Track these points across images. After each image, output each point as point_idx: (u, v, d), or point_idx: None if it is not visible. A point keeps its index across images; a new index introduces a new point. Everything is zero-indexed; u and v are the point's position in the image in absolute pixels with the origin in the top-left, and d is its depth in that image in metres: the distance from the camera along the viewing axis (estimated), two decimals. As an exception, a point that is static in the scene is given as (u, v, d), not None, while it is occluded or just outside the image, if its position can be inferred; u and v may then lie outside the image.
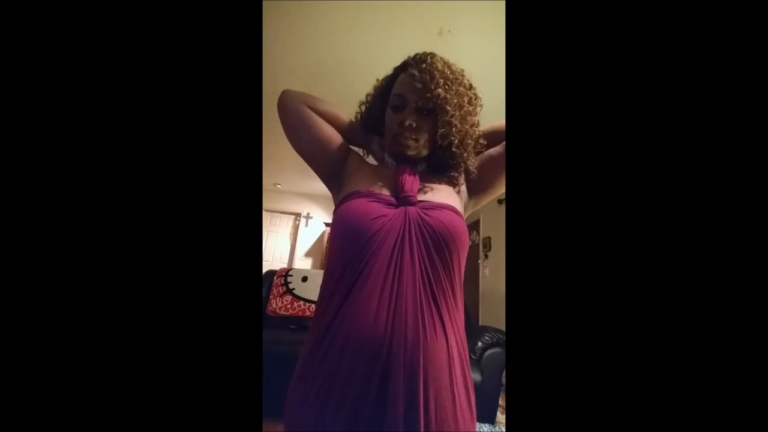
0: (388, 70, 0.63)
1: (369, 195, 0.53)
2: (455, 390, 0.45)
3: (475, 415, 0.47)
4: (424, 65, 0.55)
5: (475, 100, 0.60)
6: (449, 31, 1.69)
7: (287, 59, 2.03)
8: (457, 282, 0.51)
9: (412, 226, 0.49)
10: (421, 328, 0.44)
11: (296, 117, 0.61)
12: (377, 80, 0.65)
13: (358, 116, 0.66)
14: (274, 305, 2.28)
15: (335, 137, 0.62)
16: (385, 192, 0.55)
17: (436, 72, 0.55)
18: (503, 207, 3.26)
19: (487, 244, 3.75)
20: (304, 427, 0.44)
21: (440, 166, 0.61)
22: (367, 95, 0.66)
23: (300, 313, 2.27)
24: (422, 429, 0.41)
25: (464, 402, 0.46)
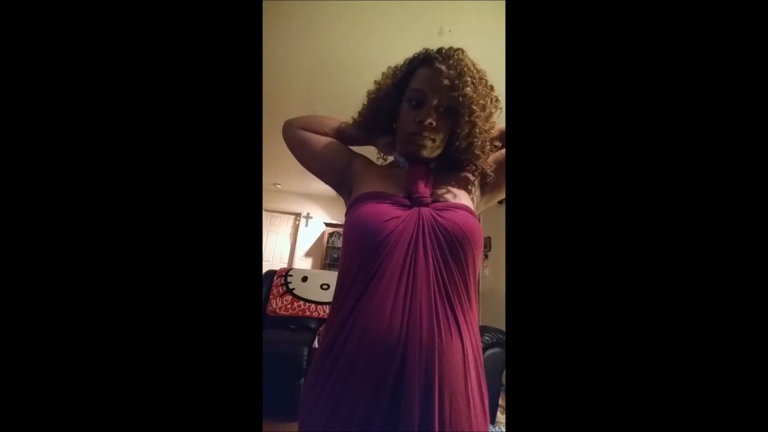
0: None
1: (381, 196, 0.53)
2: (470, 392, 0.44)
3: (488, 417, 0.47)
4: (452, 61, 0.53)
5: (495, 101, 0.58)
6: (449, 31, 1.69)
7: (287, 59, 2.03)
8: (472, 283, 0.51)
9: (426, 227, 0.49)
10: (436, 329, 0.44)
11: (293, 141, 0.64)
12: (389, 68, 0.62)
13: (364, 111, 0.64)
14: (274, 305, 2.28)
15: (332, 146, 0.63)
16: (398, 193, 0.54)
17: (465, 69, 0.52)
18: (503, 207, 3.26)
19: (487, 244, 3.75)
20: (318, 425, 0.44)
21: (453, 165, 0.60)
22: (376, 82, 0.62)
23: (300, 313, 2.27)
24: (437, 430, 0.40)
25: (478, 404, 0.45)
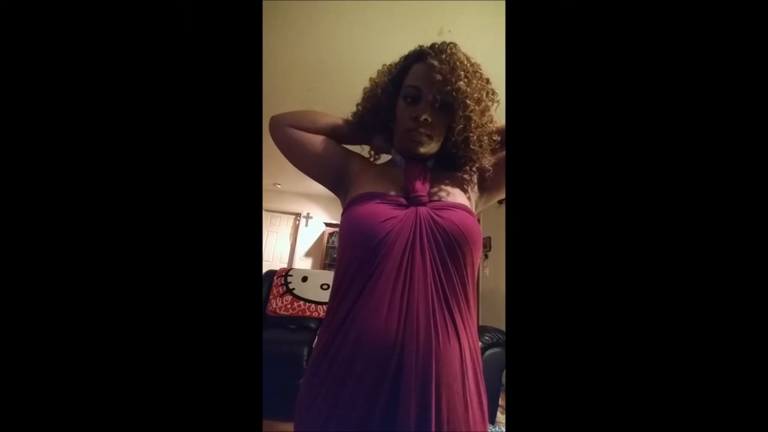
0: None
1: (378, 196, 0.52)
2: (467, 395, 0.44)
3: (487, 420, 0.47)
4: (444, 56, 0.52)
5: (492, 94, 0.57)
6: (449, 31, 1.69)
7: (287, 59, 2.03)
8: (470, 284, 0.50)
9: (423, 227, 0.48)
10: (433, 331, 0.44)
11: (283, 141, 0.60)
12: (384, 65, 0.61)
13: (360, 108, 0.62)
14: (274, 305, 2.28)
15: (327, 147, 0.60)
16: (395, 192, 0.53)
17: (457, 63, 0.52)
18: (503, 207, 3.26)
19: (487, 244, 3.75)
20: (314, 426, 0.44)
21: (451, 162, 0.59)
22: (371, 79, 0.61)
23: (300, 313, 2.27)
24: (434, 431, 0.40)
25: (476, 407, 0.45)
